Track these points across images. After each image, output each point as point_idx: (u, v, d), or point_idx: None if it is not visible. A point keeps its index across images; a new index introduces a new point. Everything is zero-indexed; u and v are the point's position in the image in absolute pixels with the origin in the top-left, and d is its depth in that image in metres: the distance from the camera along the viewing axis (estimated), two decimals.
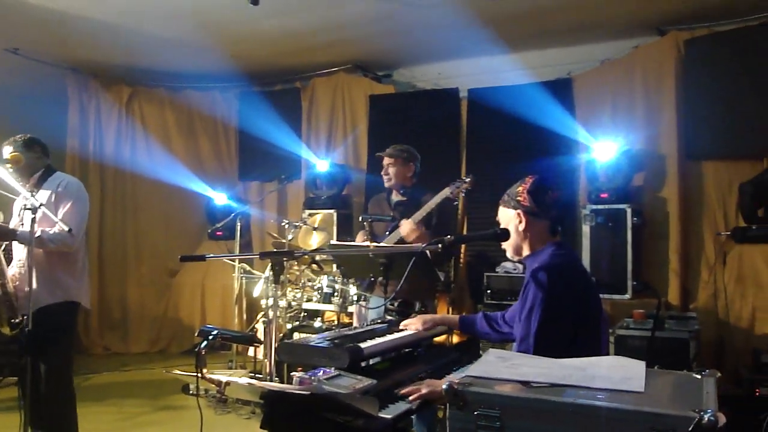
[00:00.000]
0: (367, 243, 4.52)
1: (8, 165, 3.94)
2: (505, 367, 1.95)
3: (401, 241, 4.34)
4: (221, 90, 8.88)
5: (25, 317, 3.69)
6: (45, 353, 3.98)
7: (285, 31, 6.78)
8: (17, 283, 4.02)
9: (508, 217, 2.70)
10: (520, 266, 6.00)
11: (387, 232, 4.51)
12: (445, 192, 4.28)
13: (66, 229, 3.77)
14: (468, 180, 4.30)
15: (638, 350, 4.91)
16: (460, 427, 1.74)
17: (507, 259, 6.10)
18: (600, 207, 6.13)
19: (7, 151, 4.09)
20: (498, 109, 6.65)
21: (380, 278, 3.43)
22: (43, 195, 4.04)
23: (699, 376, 1.92)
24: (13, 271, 4.09)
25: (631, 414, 1.58)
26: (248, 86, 8.79)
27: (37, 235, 3.80)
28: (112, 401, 6.18)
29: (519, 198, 2.65)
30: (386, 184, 4.67)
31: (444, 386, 1.76)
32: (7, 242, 4.13)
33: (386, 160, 4.64)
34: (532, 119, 6.45)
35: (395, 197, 4.69)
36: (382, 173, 4.67)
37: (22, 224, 3.97)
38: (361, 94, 7.96)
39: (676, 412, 1.55)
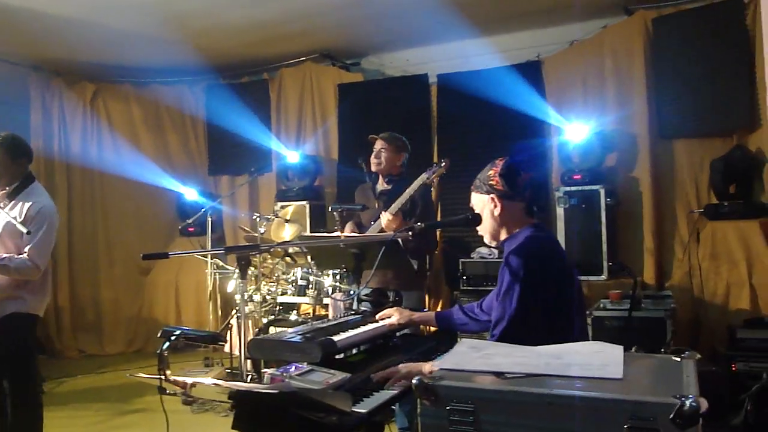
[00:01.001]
0: (348, 233, 4.46)
1: None
2: (478, 357, 1.88)
3: (384, 231, 4.26)
4: (188, 84, 8.74)
5: None
6: (13, 363, 3.86)
7: (251, 21, 6.66)
8: None
9: (482, 203, 2.65)
10: (496, 252, 5.96)
11: (372, 222, 4.44)
12: (422, 178, 4.22)
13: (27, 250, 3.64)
14: (443, 164, 4.23)
15: (616, 331, 4.91)
16: (433, 423, 1.68)
17: (482, 245, 6.06)
18: (573, 189, 6.11)
19: None
20: (468, 94, 6.58)
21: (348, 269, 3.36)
22: (16, 209, 3.88)
23: (678, 359, 1.87)
24: None
25: (610, 403, 1.53)
26: (215, 79, 8.67)
27: (2, 263, 3.67)
28: (86, 405, 6.06)
29: (491, 182, 2.60)
30: (374, 168, 4.58)
31: (414, 381, 1.70)
32: None
33: (379, 144, 4.56)
34: (503, 103, 6.39)
35: (380, 186, 4.62)
36: (373, 156, 4.58)
37: None
38: (330, 84, 7.87)
39: (656, 399, 1.50)
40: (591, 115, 6.37)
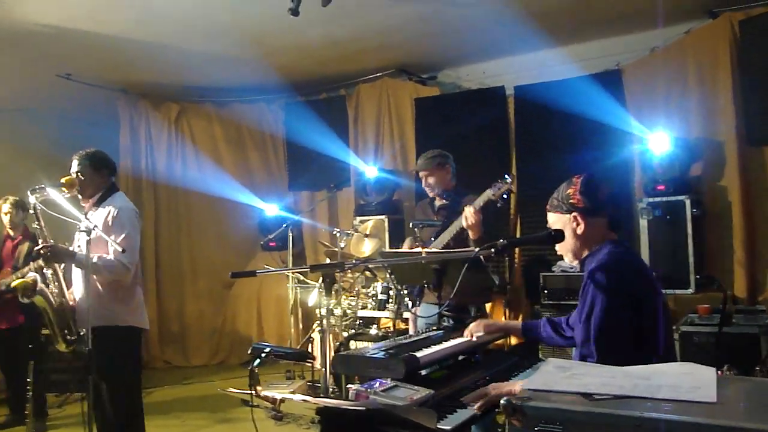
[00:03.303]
0: (419, 249, 4.47)
1: (63, 189, 3.97)
2: (564, 378, 1.86)
3: (458, 236, 4.25)
4: (267, 102, 8.95)
5: (81, 335, 3.73)
6: (106, 376, 4.01)
7: (327, 39, 6.78)
8: (75, 301, 4.09)
9: (562, 222, 2.59)
10: (578, 265, 5.85)
11: (432, 238, 4.44)
12: (488, 194, 4.18)
13: (120, 250, 3.80)
14: (509, 181, 4.18)
15: (705, 347, 4.73)
16: None
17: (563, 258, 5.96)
18: (657, 200, 5.94)
19: (75, 166, 4.11)
20: (546, 105, 6.52)
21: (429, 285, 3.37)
22: (100, 215, 4.08)
23: None
24: (73, 295, 4.16)
25: (703, 428, 1.48)
26: (294, 96, 8.84)
27: (94, 260, 3.84)
28: (175, 414, 6.28)
29: (572, 201, 2.55)
30: (431, 195, 4.62)
31: (502, 401, 1.70)
32: (65, 264, 4.17)
33: (422, 174, 4.59)
34: (582, 113, 6.29)
35: (438, 202, 4.64)
36: (423, 186, 4.62)
37: (79, 246, 4.02)
38: (407, 98, 7.91)
39: (753, 425, 1.43)
40: (674, 124, 6.19)
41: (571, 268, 5.99)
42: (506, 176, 4.17)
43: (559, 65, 6.81)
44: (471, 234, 4.12)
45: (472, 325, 3.08)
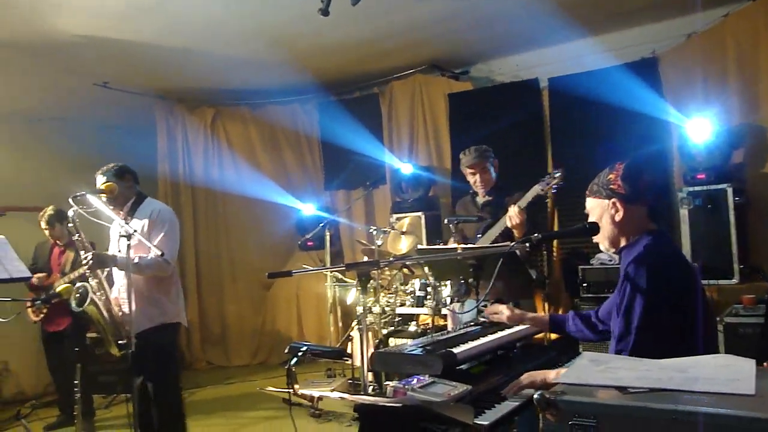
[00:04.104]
0: (456, 245, 4.46)
1: (102, 195, 4.08)
2: (599, 371, 1.85)
3: (506, 233, 4.24)
4: (301, 102, 9.00)
5: (130, 338, 3.84)
6: (151, 374, 4.12)
7: (358, 38, 6.80)
8: (120, 306, 4.19)
9: (601, 208, 2.56)
10: (617, 257, 5.77)
11: (478, 234, 4.43)
12: (536, 189, 4.16)
13: (159, 253, 3.90)
14: (558, 175, 4.15)
15: (750, 338, 4.63)
16: None
17: (602, 251, 5.89)
18: (697, 189, 5.82)
19: (101, 180, 4.25)
20: (581, 97, 6.43)
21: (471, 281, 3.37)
22: (137, 223, 4.19)
23: None
24: (114, 294, 4.27)
25: (741, 421, 1.44)
26: (327, 96, 8.87)
27: (135, 261, 3.94)
28: (217, 414, 6.39)
29: (612, 186, 2.51)
30: (481, 191, 4.59)
31: (535, 396, 1.70)
32: (108, 268, 4.28)
33: (467, 171, 4.57)
34: (618, 103, 6.19)
35: (481, 198, 4.61)
36: (471, 183, 4.60)
37: (120, 251, 4.12)
38: (440, 94, 7.89)
39: None
40: (713, 110, 6.06)
41: (610, 260, 5.92)
42: (556, 170, 4.15)
43: (593, 55, 6.71)
44: (516, 233, 4.11)
45: (492, 307, 3.07)
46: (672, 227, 5.90)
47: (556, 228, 6.79)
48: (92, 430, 5.98)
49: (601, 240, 2.62)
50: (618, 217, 2.51)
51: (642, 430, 1.57)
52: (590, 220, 2.62)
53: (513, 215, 4.10)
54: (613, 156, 2.74)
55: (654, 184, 2.57)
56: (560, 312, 6.67)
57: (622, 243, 2.56)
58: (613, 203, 2.51)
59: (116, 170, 4.33)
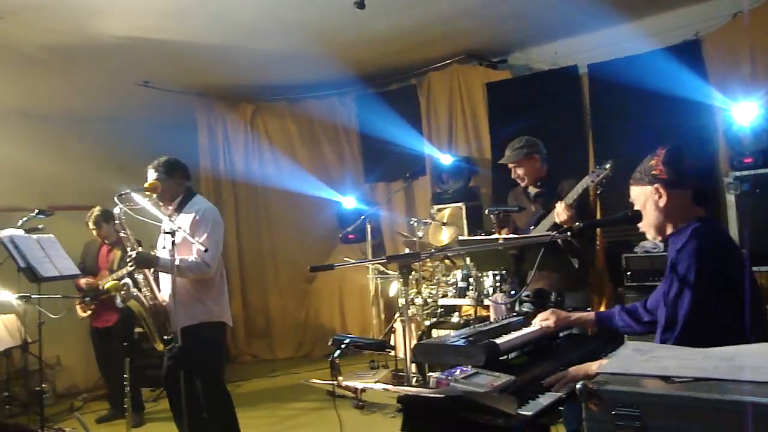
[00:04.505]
0: (503, 235, 4.43)
1: (147, 193, 4.14)
2: (643, 360, 1.83)
3: (555, 227, 4.21)
4: (339, 96, 9.03)
5: (174, 334, 3.92)
6: (196, 369, 4.19)
7: (394, 30, 6.79)
8: (164, 302, 4.27)
9: (644, 195, 2.51)
10: (661, 245, 5.69)
11: (531, 226, 4.40)
12: (585, 182, 4.11)
13: (203, 249, 3.95)
14: (608, 166, 4.09)
15: None
16: (599, 427, 1.64)
17: (646, 238, 5.80)
18: (745, 173, 5.67)
19: (151, 174, 4.28)
20: (622, 83, 6.31)
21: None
22: (183, 219, 4.24)
23: None
24: (160, 291, 4.35)
25: None
26: (365, 89, 8.88)
27: (176, 263, 4.00)
28: (263, 406, 6.49)
29: (654, 171, 2.46)
30: (523, 185, 4.56)
31: (578, 386, 1.69)
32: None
33: (510, 166, 4.53)
34: (660, 88, 6.06)
35: (533, 190, 4.57)
36: (513, 177, 4.57)
37: (164, 247, 4.19)
38: (478, 84, 7.84)
39: None
40: (761, 92, 5.90)
41: (654, 248, 5.84)
42: (606, 162, 4.10)
43: (633, 39, 6.58)
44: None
45: (541, 314, 3.03)
46: (718, 213, 5.78)
47: (599, 217, 6.71)
48: (142, 422, 6.12)
49: (647, 228, 2.57)
50: (662, 203, 2.46)
51: (687, 420, 1.55)
52: (635, 208, 2.57)
53: (560, 212, 4.06)
54: (655, 143, 2.67)
55: (697, 167, 2.51)
56: (603, 302, 6.60)
57: (669, 230, 2.51)
58: (656, 189, 2.46)
59: (167, 166, 4.33)
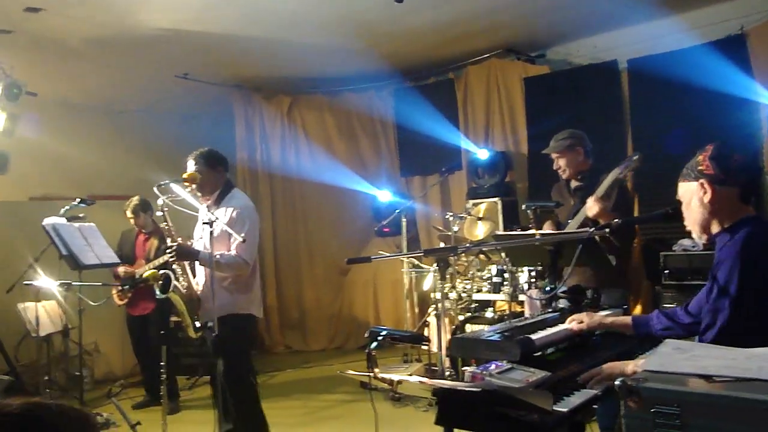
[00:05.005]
0: (541, 231, 4.41)
1: (185, 183, 4.18)
2: (683, 359, 1.81)
3: (587, 221, 4.18)
4: (377, 89, 9.03)
5: (208, 323, 3.97)
6: (227, 358, 4.25)
7: (433, 23, 6.77)
8: (198, 292, 4.33)
9: (690, 192, 2.43)
10: (700, 243, 5.58)
11: (568, 219, 4.37)
12: (615, 173, 4.07)
13: (242, 240, 3.98)
14: (636, 158, 4.05)
15: None
16: (637, 425, 1.63)
17: (684, 236, 5.71)
18: None
19: (191, 166, 4.31)
20: (663, 78, 6.20)
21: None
22: (221, 213, 4.26)
23: None
24: (195, 281, 4.40)
25: None
26: (402, 82, 8.87)
27: (216, 258, 4.04)
28: (296, 396, 6.54)
29: (700, 167, 2.37)
30: (564, 177, 4.53)
31: (617, 383, 1.67)
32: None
33: (553, 156, 4.50)
34: (702, 84, 5.94)
35: (574, 183, 4.54)
36: (554, 168, 4.54)
37: (200, 238, 4.24)
38: (516, 78, 7.78)
39: None
40: None
41: (694, 246, 5.73)
42: (634, 154, 4.05)
43: (675, 34, 6.46)
44: (601, 222, 4.03)
45: (575, 316, 2.97)
46: (764, 212, 5.66)
47: (637, 214, 6.62)
48: (177, 409, 6.21)
49: (692, 226, 2.49)
50: (707, 199, 2.37)
51: (728, 420, 1.52)
52: (682, 206, 2.50)
53: (590, 206, 4.03)
54: (696, 140, 2.60)
55: (747, 165, 2.39)
56: (640, 301, 6.51)
57: (715, 229, 2.42)
58: (701, 185, 2.37)
59: (207, 157, 4.34)
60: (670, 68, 6.18)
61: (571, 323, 2.87)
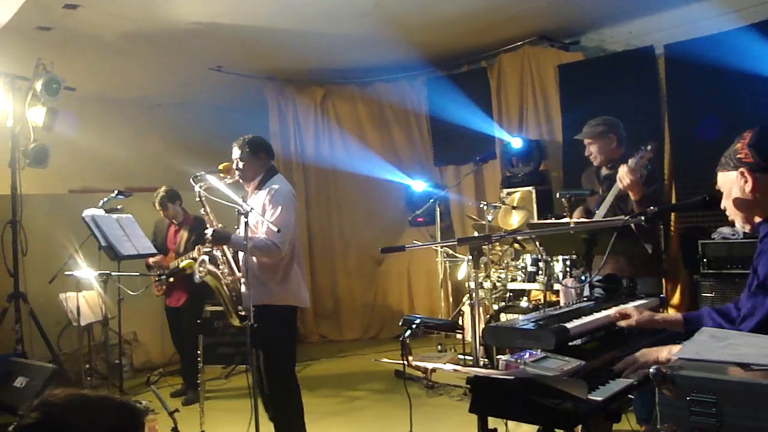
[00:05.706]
0: (577, 219, 4.38)
1: (221, 174, 4.22)
2: (720, 347, 1.79)
3: (615, 205, 4.14)
4: (409, 79, 9.02)
5: (243, 312, 4.00)
6: (264, 349, 4.26)
7: (465, 12, 6.73)
8: (239, 280, 4.37)
9: (729, 182, 2.34)
10: (740, 231, 5.48)
11: (595, 207, 4.34)
12: (630, 164, 4.01)
13: (275, 230, 4.00)
14: (649, 148, 3.96)
15: None
16: (672, 413, 1.61)
17: (723, 224, 5.61)
18: None
19: (235, 152, 4.35)
20: (701, 63, 6.07)
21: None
22: (261, 197, 4.28)
23: None
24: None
25: None
26: (435, 72, 8.84)
27: (246, 243, 4.05)
28: (331, 386, 6.59)
29: (739, 155, 2.28)
30: (595, 164, 4.49)
31: (651, 370, 1.65)
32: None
33: (586, 141, 4.46)
34: (743, 69, 5.81)
35: (604, 171, 4.50)
36: (586, 154, 4.50)
37: (236, 227, 4.28)
38: (550, 66, 7.70)
39: None
40: None
41: (733, 234, 5.63)
42: (648, 145, 3.98)
43: (713, 18, 6.31)
44: (632, 195, 3.97)
45: (623, 309, 2.87)
46: None
47: (674, 201, 6.52)
48: (195, 400, 5.99)
49: (734, 215, 2.40)
50: (748, 188, 2.27)
51: (766, 409, 1.50)
52: (724, 196, 2.41)
53: (623, 175, 3.94)
54: (736, 127, 2.52)
55: None
56: (678, 290, 6.43)
57: (758, 218, 2.34)
58: (741, 173, 2.28)
59: (251, 144, 4.36)
60: (710, 53, 6.04)
61: (615, 315, 2.80)
